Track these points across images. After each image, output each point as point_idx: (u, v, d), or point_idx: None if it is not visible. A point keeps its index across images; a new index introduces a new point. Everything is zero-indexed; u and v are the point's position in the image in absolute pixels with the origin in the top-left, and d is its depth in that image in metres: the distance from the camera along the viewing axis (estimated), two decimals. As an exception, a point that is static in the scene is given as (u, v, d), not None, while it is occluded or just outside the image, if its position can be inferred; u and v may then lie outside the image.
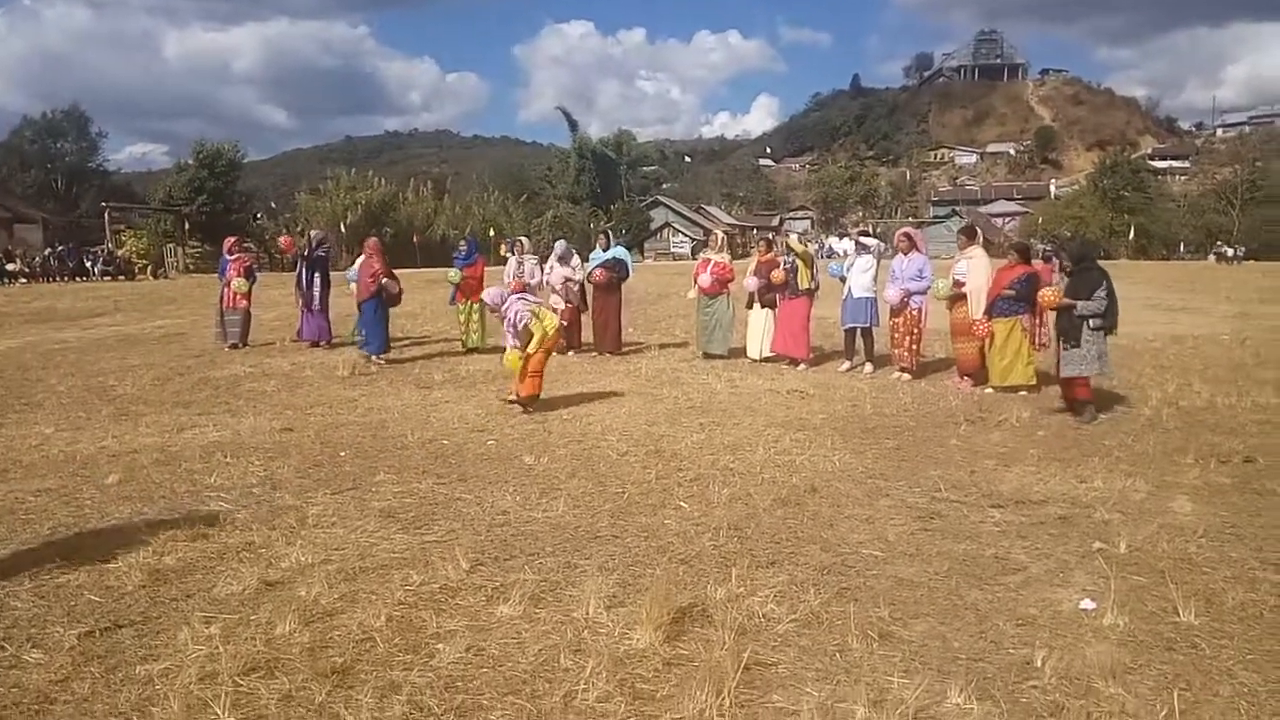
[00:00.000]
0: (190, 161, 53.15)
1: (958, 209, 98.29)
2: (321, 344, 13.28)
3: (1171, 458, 6.74)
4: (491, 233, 40.70)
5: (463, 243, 13.57)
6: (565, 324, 12.36)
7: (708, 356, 11.94)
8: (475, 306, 12.75)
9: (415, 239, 46.43)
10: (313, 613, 3.94)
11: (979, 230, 10.96)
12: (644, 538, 4.98)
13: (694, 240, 73.78)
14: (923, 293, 10.13)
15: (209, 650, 3.56)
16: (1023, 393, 9.22)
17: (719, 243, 12.56)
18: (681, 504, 5.58)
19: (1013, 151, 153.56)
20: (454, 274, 12.68)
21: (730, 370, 10.99)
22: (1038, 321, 9.37)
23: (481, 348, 12.72)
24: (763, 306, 11.63)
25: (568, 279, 12.31)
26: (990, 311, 9.28)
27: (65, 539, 4.93)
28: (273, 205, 73.23)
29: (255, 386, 9.91)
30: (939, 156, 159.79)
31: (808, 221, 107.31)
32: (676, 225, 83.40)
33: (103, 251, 38.75)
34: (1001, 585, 4.30)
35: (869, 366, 10.91)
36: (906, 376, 10.31)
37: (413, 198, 59.63)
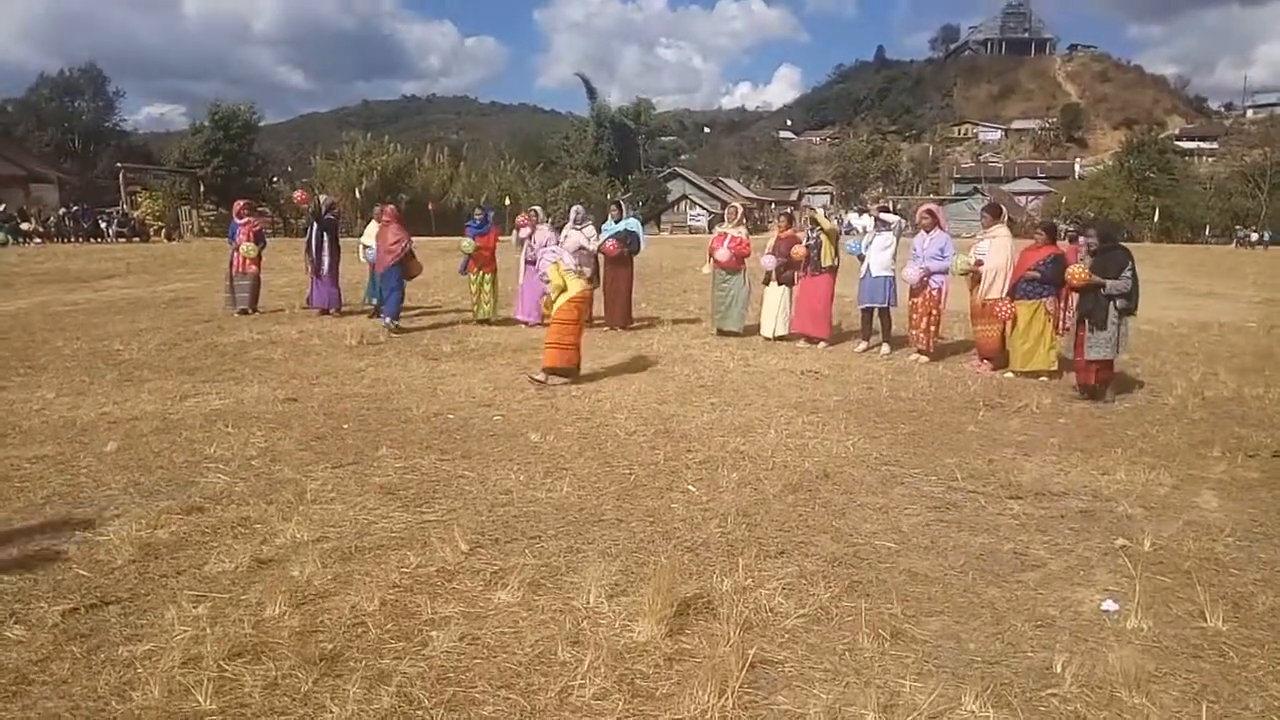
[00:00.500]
0: (206, 123, 52.98)
1: (980, 186, 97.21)
2: (331, 312, 13.16)
3: (1197, 450, 6.53)
4: (507, 201, 40.43)
5: (478, 211, 13.36)
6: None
7: (721, 333, 11.75)
8: (488, 277, 12.59)
9: (430, 206, 46.24)
10: (304, 594, 3.81)
11: (1004, 209, 10.65)
12: (649, 522, 4.83)
13: (711, 213, 73.15)
14: (944, 272, 9.88)
15: (195, 632, 3.44)
16: (1044, 378, 9.00)
17: (736, 216, 12.28)
18: (689, 487, 5.43)
19: (1038, 128, 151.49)
20: (467, 243, 12.48)
21: (744, 348, 10.80)
22: (1062, 305, 9.11)
23: (493, 319, 12.56)
24: (780, 284, 11.41)
25: (582, 246, 12.06)
26: (1013, 293, 9.06)
27: (58, 509, 4.83)
28: (289, 169, 73.15)
29: (262, 354, 9.80)
30: (963, 132, 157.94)
31: (827, 196, 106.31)
32: (694, 197, 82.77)
33: (117, 213, 38.75)
34: (1020, 583, 4.14)
35: (886, 347, 10.69)
36: (924, 359, 10.09)
37: (429, 164, 59.26)
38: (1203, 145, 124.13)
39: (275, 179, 60.75)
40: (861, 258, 10.75)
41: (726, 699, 3.05)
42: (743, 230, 11.89)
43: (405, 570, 4.08)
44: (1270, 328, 13.90)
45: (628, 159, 79.01)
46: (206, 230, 41.01)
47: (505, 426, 6.87)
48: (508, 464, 5.84)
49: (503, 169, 65.27)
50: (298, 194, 15.29)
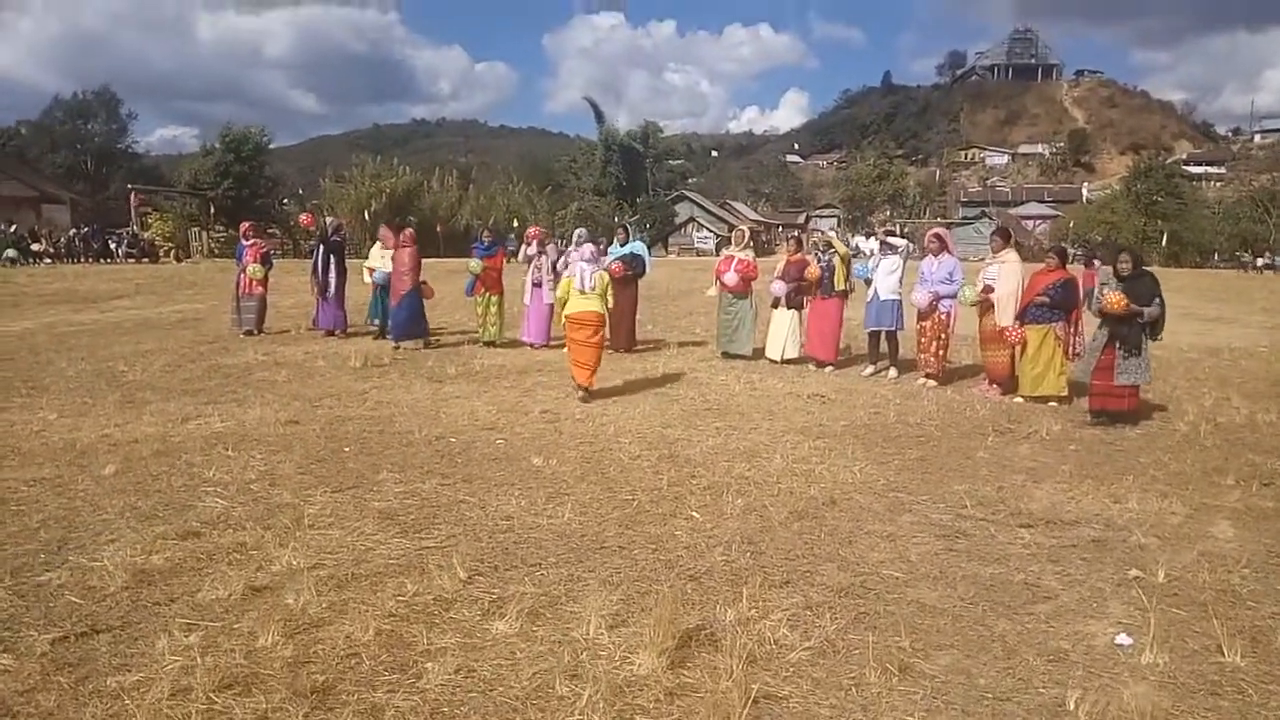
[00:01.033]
0: (216, 145, 53.35)
1: (987, 210, 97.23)
2: (337, 333, 13.14)
3: (1210, 478, 6.42)
4: (515, 223, 40.56)
5: (485, 233, 13.34)
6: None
7: (727, 356, 11.67)
8: (494, 299, 12.56)
9: (439, 228, 46.37)
10: (299, 623, 3.74)
11: (1012, 233, 10.56)
12: (652, 550, 4.75)
13: (718, 236, 73.18)
14: (952, 296, 9.80)
15: (185, 662, 3.36)
16: (1053, 404, 8.89)
17: (743, 239, 12.22)
18: (693, 514, 5.34)
19: (1045, 153, 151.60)
20: (475, 264, 12.46)
21: (750, 372, 10.72)
22: (1072, 330, 9.01)
23: (499, 341, 12.52)
24: (788, 307, 11.34)
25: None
26: (1023, 318, 8.97)
27: (53, 533, 4.76)
28: (300, 191, 73.48)
29: (266, 375, 9.75)
30: (969, 156, 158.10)
31: (834, 220, 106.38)
32: (701, 220, 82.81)
33: (127, 234, 38.94)
34: (1031, 615, 4.03)
35: (893, 371, 10.60)
36: (932, 383, 10.00)
37: (437, 187, 59.51)
38: (1210, 170, 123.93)
39: (286, 201, 61.10)
40: (869, 281, 10.68)
41: (729, 736, 2.95)
42: (749, 253, 11.83)
43: (402, 599, 4.00)
44: (1282, 353, 13.76)
45: (635, 182, 79.15)
46: (216, 251, 41.24)
47: (508, 450, 6.79)
48: (509, 489, 5.76)
49: (511, 191, 65.45)
50: (303, 217, 15.39)
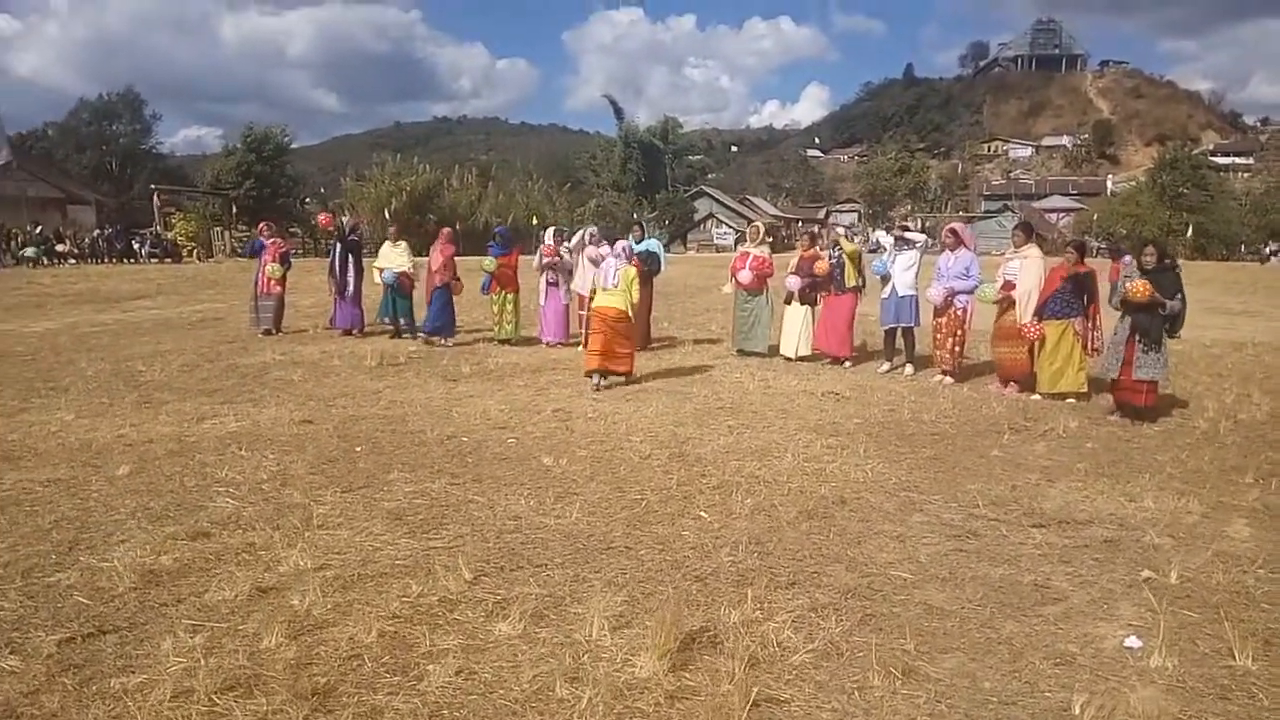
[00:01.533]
0: (239, 145, 53.82)
1: (1010, 204, 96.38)
2: (354, 332, 13.21)
3: (1228, 476, 6.33)
4: (534, 220, 40.58)
5: (499, 233, 13.34)
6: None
7: (742, 353, 11.63)
8: (510, 297, 12.58)
9: (458, 226, 46.45)
10: (303, 624, 3.75)
11: (1034, 228, 10.44)
12: (659, 550, 4.73)
13: (738, 232, 73.01)
14: (969, 292, 9.72)
15: (189, 663, 3.38)
16: (1071, 400, 8.80)
17: (759, 235, 12.16)
18: (702, 514, 5.32)
19: (1069, 145, 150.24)
20: (489, 262, 12.48)
21: (765, 369, 10.68)
22: (1091, 325, 8.89)
23: (514, 339, 12.54)
24: (802, 304, 11.29)
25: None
26: (1041, 313, 8.87)
27: (65, 534, 4.81)
28: (321, 190, 74.03)
29: (282, 375, 9.82)
30: (992, 149, 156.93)
31: (855, 214, 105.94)
32: (720, 216, 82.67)
33: (150, 234, 39.35)
34: (1040, 617, 3.98)
35: (909, 368, 10.53)
36: (949, 380, 9.92)
37: (457, 185, 59.72)
38: (1238, 161, 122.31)
39: (308, 200, 61.55)
40: (886, 278, 10.59)
41: (727, 740, 2.94)
42: (765, 249, 11.78)
43: (406, 600, 4.01)
44: (1308, 347, 13.55)
45: (655, 178, 79.18)
46: (239, 251, 41.55)
47: (519, 450, 6.80)
48: (518, 488, 5.76)
49: (530, 189, 65.61)
50: (321, 217, 15.51)
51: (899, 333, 10.64)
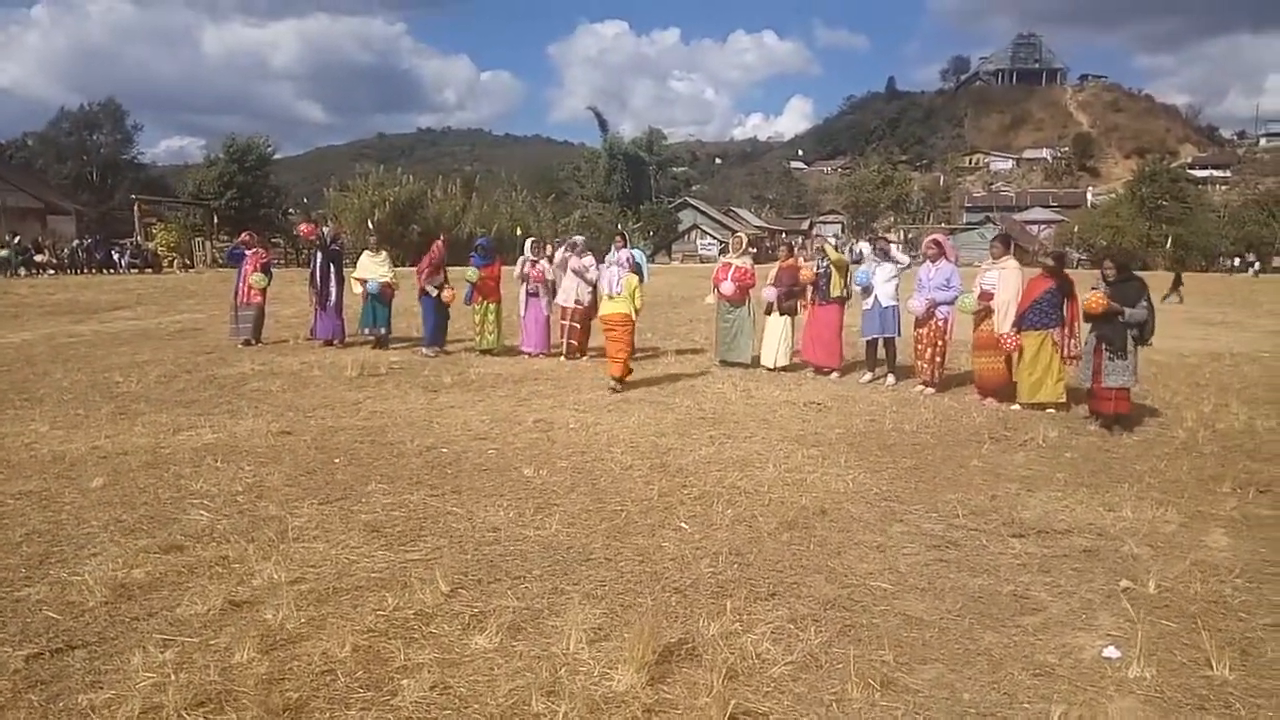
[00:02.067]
0: (221, 156, 53.56)
1: (992, 215, 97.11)
2: (334, 343, 13.12)
3: (1206, 485, 6.36)
4: (518, 231, 40.58)
5: (481, 244, 13.27)
6: (576, 325, 12.18)
7: (725, 364, 11.63)
8: (492, 307, 12.55)
9: (442, 237, 46.32)
10: (276, 639, 3.69)
11: (1013, 240, 10.51)
12: (638, 561, 4.70)
13: (722, 243, 73.22)
14: (949, 303, 9.75)
15: (159, 679, 3.32)
16: (1050, 410, 8.84)
17: (741, 246, 12.18)
18: (682, 524, 5.29)
19: (1049, 157, 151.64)
20: (471, 273, 12.45)
21: (747, 379, 10.67)
22: (1068, 333, 8.95)
23: (495, 349, 12.50)
24: (781, 314, 11.31)
25: (579, 272, 12.00)
26: (1020, 324, 8.92)
27: (36, 547, 4.73)
28: (304, 200, 73.70)
29: (260, 386, 9.73)
30: (974, 161, 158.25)
31: (838, 226, 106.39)
32: (705, 227, 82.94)
33: (130, 244, 39.06)
34: (1019, 627, 3.98)
35: (891, 378, 10.55)
36: (930, 390, 9.94)
37: (441, 195, 59.58)
38: (1215, 174, 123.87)
39: (291, 211, 61.24)
40: (868, 289, 10.58)
41: (704, 754, 2.91)
42: (747, 260, 11.80)
43: (382, 613, 3.96)
44: (1284, 358, 13.67)
45: (639, 190, 79.34)
46: (220, 262, 41.29)
47: (499, 460, 6.75)
48: (498, 500, 5.72)
49: (515, 200, 65.51)
50: (303, 227, 15.42)
51: (880, 343, 10.66)
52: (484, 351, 12.47)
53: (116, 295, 22.83)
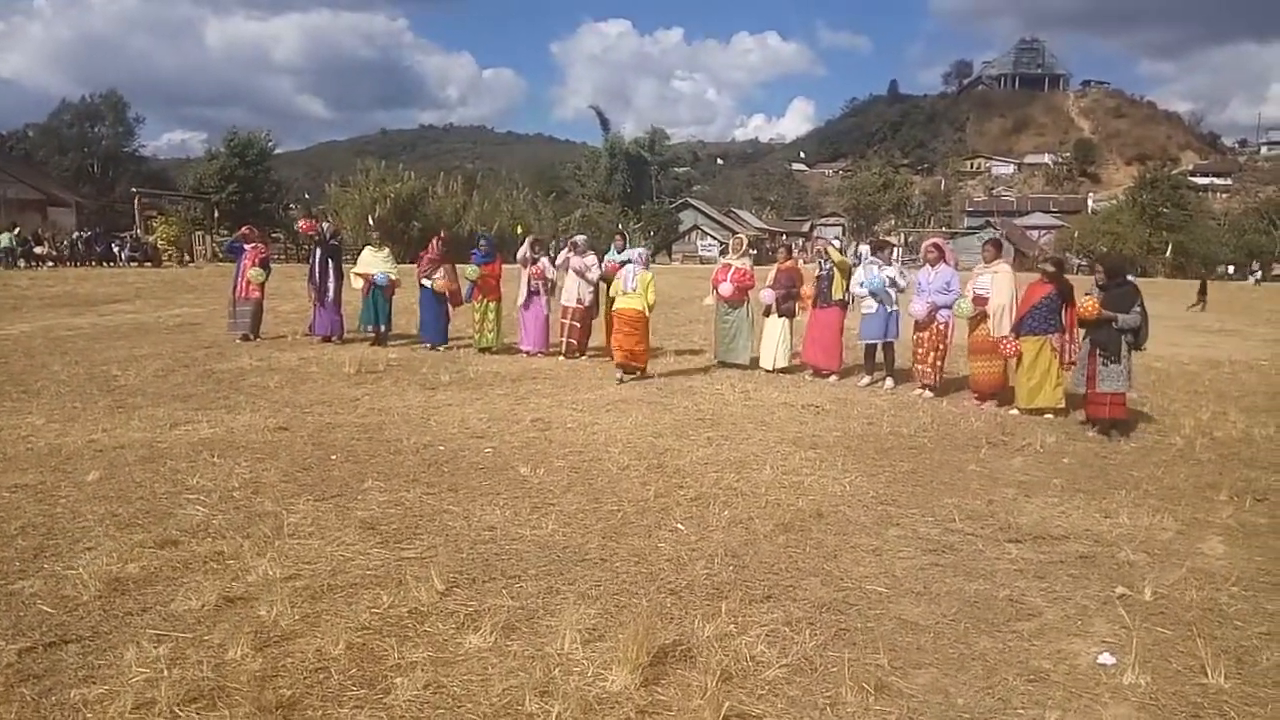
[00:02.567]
0: (221, 150, 53.51)
1: (992, 220, 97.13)
2: (333, 339, 13.11)
3: (1203, 493, 6.36)
4: (519, 230, 40.56)
5: (482, 241, 13.26)
6: (576, 325, 12.17)
7: (724, 365, 11.62)
8: (491, 305, 12.54)
9: (442, 234, 46.26)
10: (269, 635, 3.69)
11: (1003, 244, 10.53)
12: (634, 562, 4.69)
13: (722, 244, 73.24)
14: (949, 306, 9.75)
15: (152, 674, 3.31)
16: (1048, 416, 8.83)
17: (741, 248, 12.18)
18: (678, 526, 5.29)
19: (1051, 163, 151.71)
20: (471, 270, 12.44)
21: (746, 381, 10.66)
22: (1068, 338, 8.95)
23: (495, 348, 12.49)
24: (780, 316, 11.30)
25: (580, 272, 12.00)
26: (1019, 329, 8.92)
27: (30, 540, 4.72)
28: (306, 195, 73.63)
29: (258, 381, 9.72)
30: (975, 166, 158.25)
31: (839, 228, 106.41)
32: (705, 228, 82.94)
33: (130, 237, 39.03)
34: (1014, 633, 3.98)
35: (890, 382, 10.54)
36: (929, 394, 9.94)
37: (442, 192, 59.51)
38: (1216, 181, 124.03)
39: (292, 206, 61.17)
40: (872, 295, 10.52)
41: (697, 756, 2.90)
42: (746, 262, 11.79)
43: (376, 611, 3.95)
44: (1283, 366, 13.68)
45: (640, 189, 79.31)
46: (220, 256, 41.26)
47: (496, 459, 6.74)
48: (494, 499, 5.71)
49: (516, 198, 65.47)
50: (302, 222, 15.43)
51: (879, 347, 10.65)
52: (483, 350, 12.46)
53: (115, 288, 22.81)
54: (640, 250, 11.38)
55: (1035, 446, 7.66)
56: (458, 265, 12.87)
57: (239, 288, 13.23)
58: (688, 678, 3.45)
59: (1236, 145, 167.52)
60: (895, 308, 10.43)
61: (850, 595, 4.35)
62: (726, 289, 11.38)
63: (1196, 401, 10.15)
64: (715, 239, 78.33)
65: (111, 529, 4.91)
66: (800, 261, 11.78)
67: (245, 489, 5.74)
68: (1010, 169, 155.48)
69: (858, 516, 5.61)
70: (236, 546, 4.69)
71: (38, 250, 33.57)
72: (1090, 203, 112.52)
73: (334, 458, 6.62)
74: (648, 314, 10.50)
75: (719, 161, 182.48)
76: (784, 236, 67.44)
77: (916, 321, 9.97)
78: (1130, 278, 8.59)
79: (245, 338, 12.95)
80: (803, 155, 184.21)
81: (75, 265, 33.94)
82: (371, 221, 42.92)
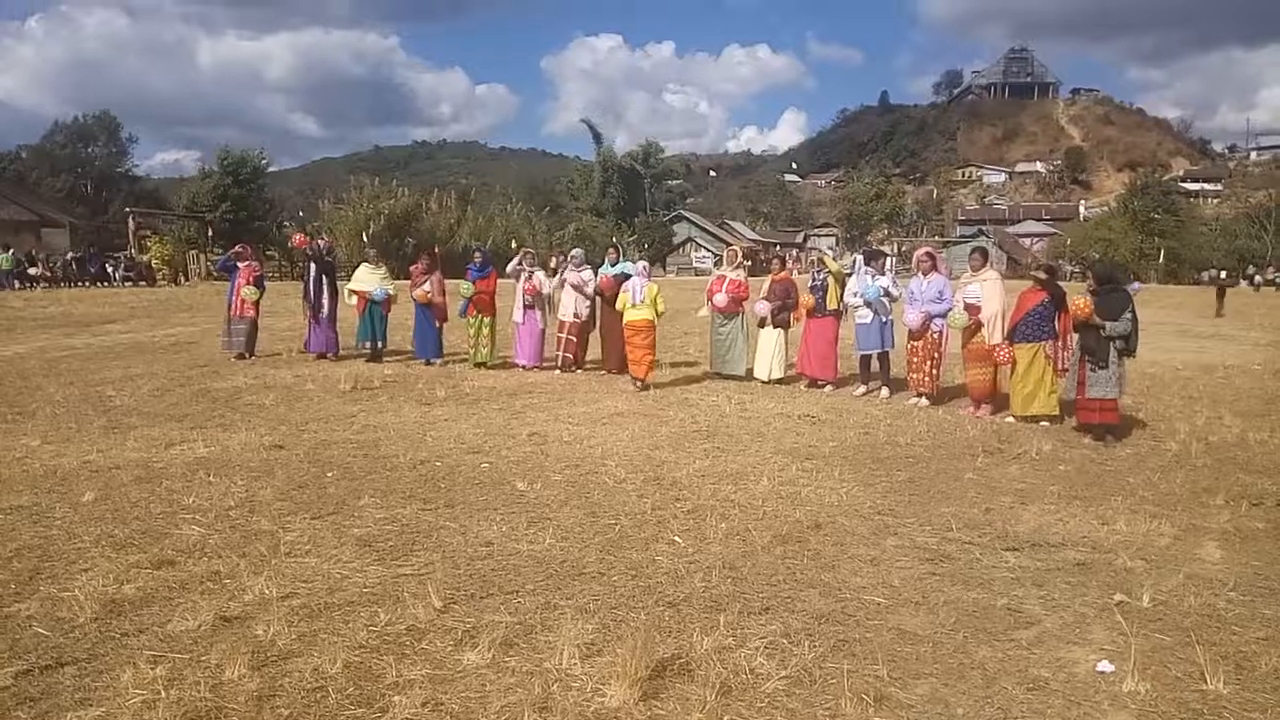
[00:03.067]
0: (215, 168, 53.50)
1: (985, 228, 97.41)
2: (329, 356, 13.10)
3: (1200, 498, 6.37)
4: (513, 244, 40.66)
5: (477, 255, 13.25)
6: (573, 339, 12.18)
7: (720, 376, 11.63)
8: (486, 320, 12.54)
9: (436, 249, 46.27)
10: (267, 655, 3.67)
11: (990, 252, 10.59)
12: (631, 576, 4.69)
13: (716, 255, 73.37)
14: (943, 315, 9.78)
15: (149, 696, 3.30)
16: (1044, 423, 8.85)
17: (735, 259, 12.21)
18: (675, 538, 5.28)
19: (1042, 171, 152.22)
20: (466, 286, 12.44)
21: (741, 392, 10.67)
22: (1061, 344, 8.98)
23: (490, 363, 12.49)
24: (774, 327, 11.32)
25: (578, 286, 12.02)
26: (1013, 337, 8.95)
27: (26, 562, 4.71)
28: (300, 213, 73.62)
29: (254, 399, 9.71)
30: (967, 175, 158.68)
31: (832, 239, 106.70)
32: (699, 240, 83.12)
33: (124, 257, 38.98)
34: (1012, 641, 3.97)
35: (885, 391, 10.56)
36: (924, 402, 9.96)
37: (436, 208, 59.51)
38: (1207, 187, 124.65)
39: (286, 223, 61.09)
40: (869, 303, 10.55)
41: (698, 770, 2.89)
42: (741, 273, 11.82)
43: (374, 629, 3.94)
44: (1277, 370, 13.72)
45: (634, 202, 79.53)
46: (215, 275, 41.19)
47: (492, 474, 6.74)
48: (491, 514, 5.71)
49: (510, 212, 65.53)
50: (296, 238, 15.44)
51: (874, 356, 10.67)
52: (478, 365, 12.45)
53: (110, 308, 22.79)
54: (642, 264, 11.45)
55: (1031, 454, 7.67)
56: (454, 281, 12.87)
57: (233, 306, 13.21)
58: (687, 691, 3.44)
59: (1226, 151, 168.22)
60: (890, 317, 10.46)
61: (848, 606, 4.34)
62: (722, 300, 11.40)
63: (1191, 406, 10.17)
64: (709, 251, 78.47)
65: (107, 550, 4.90)
66: (794, 272, 11.79)
67: (241, 508, 5.73)
68: (1002, 177, 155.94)
69: (855, 527, 5.61)
70: (233, 566, 4.67)
71: (31, 271, 33.50)
72: (1082, 210, 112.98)
73: (330, 475, 6.60)
74: (656, 324, 10.87)
75: (712, 173, 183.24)
76: (778, 247, 67.49)
77: (911, 331, 10.00)
78: (1130, 287, 8.67)
79: (240, 356, 12.93)
80: (795, 166, 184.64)
81: (70, 286, 33.88)
82: (366, 238, 42.99)
